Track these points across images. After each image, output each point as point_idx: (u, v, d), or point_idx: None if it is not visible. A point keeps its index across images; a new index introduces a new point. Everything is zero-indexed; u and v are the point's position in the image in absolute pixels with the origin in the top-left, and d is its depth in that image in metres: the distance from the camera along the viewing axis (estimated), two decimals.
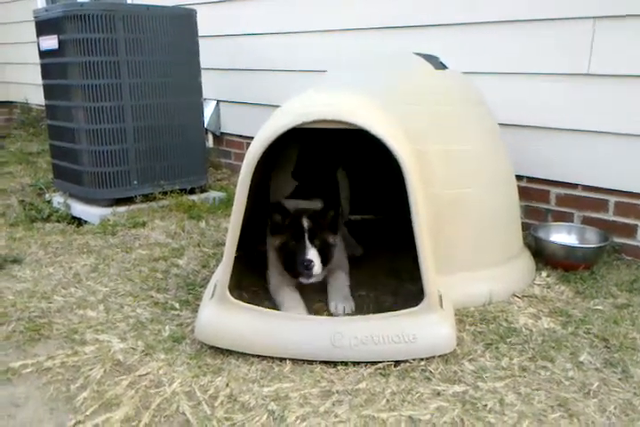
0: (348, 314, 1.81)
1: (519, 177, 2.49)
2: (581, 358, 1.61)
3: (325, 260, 1.83)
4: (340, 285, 1.94)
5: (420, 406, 1.40)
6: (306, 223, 1.83)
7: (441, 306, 1.65)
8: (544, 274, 2.17)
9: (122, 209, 3.00)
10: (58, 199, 3.20)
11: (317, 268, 1.77)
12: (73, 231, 2.79)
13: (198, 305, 1.81)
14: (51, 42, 2.95)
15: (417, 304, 1.62)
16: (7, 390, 1.49)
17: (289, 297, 1.85)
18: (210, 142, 4.22)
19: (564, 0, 2.35)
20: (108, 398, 1.44)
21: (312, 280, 1.82)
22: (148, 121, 3.07)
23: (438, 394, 1.45)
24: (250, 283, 2.02)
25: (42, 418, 1.39)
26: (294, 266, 1.81)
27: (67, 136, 3.06)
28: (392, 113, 1.83)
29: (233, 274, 1.66)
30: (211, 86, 3.69)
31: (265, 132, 1.64)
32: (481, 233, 1.99)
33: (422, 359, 1.58)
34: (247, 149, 1.71)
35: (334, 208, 1.91)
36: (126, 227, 2.78)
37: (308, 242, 1.80)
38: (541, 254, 2.28)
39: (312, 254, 1.77)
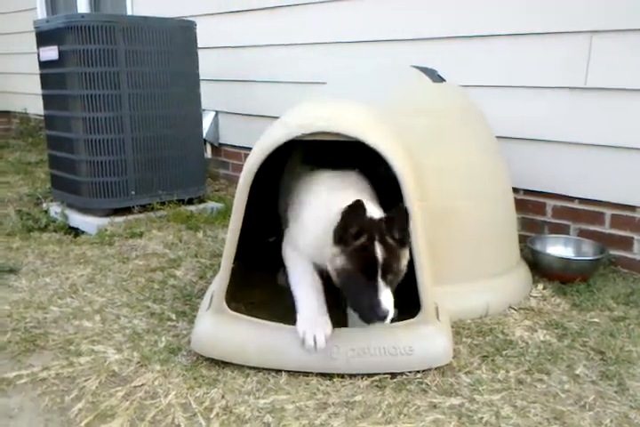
0: None
1: (516, 189, 2.50)
2: (577, 371, 1.61)
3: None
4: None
5: (416, 419, 1.39)
6: (380, 253, 1.48)
7: (437, 318, 1.65)
8: (540, 286, 2.18)
9: (119, 219, 3.00)
10: (55, 209, 3.20)
11: (392, 314, 1.46)
12: (70, 241, 2.79)
13: (195, 316, 1.81)
14: (51, 52, 2.97)
15: (414, 316, 1.62)
16: (1, 401, 1.49)
17: (312, 302, 1.61)
18: (208, 153, 4.23)
19: (561, 14, 2.38)
20: (102, 410, 1.43)
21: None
22: (147, 132, 3.08)
23: (434, 407, 1.44)
24: (247, 294, 2.02)
25: None
26: (362, 309, 1.49)
27: (65, 146, 3.07)
28: (390, 125, 1.84)
29: (230, 285, 1.66)
30: (209, 97, 3.71)
31: (263, 144, 1.65)
32: (478, 245, 2.00)
33: (419, 372, 1.58)
34: (245, 159, 1.72)
35: (403, 210, 1.53)
36: (123, 237, 2.78)
37: (381, 281, 1.47)
38: (538, 267, 2.29)
39: (387, 300, 1.45)
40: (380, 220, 1.53)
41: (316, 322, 1.57)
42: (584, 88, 2.36)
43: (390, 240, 1.51)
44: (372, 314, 1.45)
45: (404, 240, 1.55)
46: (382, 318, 1.44)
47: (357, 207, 1.49)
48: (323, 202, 1.66)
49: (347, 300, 1.60)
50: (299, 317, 1.60)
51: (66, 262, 2.47)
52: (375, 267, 1.47)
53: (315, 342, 1.54)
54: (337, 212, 1.52)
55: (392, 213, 1.54)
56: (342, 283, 1.54)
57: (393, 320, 1.49)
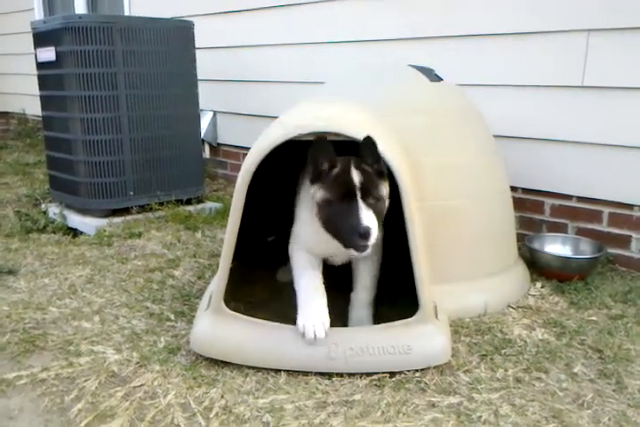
0: None
1: (514, 188, 2.51)
2: (575, 370, 1.61)
3: (380, 220, 1.53)
4: (360, 307, 1.76)
5: (415, 418, 1.40)
6: (357, 177, 1.51)
7: (436, 317, 1.66)
8: (538, 285, 2.18)
9: (118, 220, 3.00)
10: (54, 210, 3.20)
11: (375, 235, 1.46)
12: (69, 242, 2.79)
13: (194, 316, 1.81)
14: (48, 53, 2.97)
15: (412, 315, 1.62)
16: (1, 402, 1.49)
17: (312, 301, 1.61)
18: (206, 153, 4.23)
19: (558, 13, 2.39)
20: (102, 410, 1.44)
21: (365, 254, 1.52)
22: (145, 132, 3.08)
23: (433, 405, 1.45)
24: (245, 294, 2.02)
25: None
26: (345, 235, 1.50)
27: (63, 147, 3.07)
28: (388, 125, 1.85)
29: (228, 285, 1.67)
30: (207, 97, 3.71)
31: (261, 144, 1.65)
32: (476, 244, 2.00)
33: (417, 370, 1.58)
34: (243, 159, 1.72)
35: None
36: (122, 238, 2.78)
37: (361, 202, 1.48)
38: (536, 265, 2.29)
39: (368, 219, 1.46)
40: (352, 156, 1.57)
41: (315, 315, 1.59)
42: (581, 87, 2.37)
43: (366, 167, 1.55)
44: (354, 233, 1.45)
45: (380, 169, 1.57)
46: (364, 235, 1.44)
47: (322, 142, 1.53)
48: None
49: (332, 236, 1.57)
50: (299, 312, 1.62)
51: (64, 263, 2.48)
52: (353, 189, 1.50)
53: (314, 334, 1.56)
54: None
55: (362, 146, 1.55)
56: (325, 216, 1.55)
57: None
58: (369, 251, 1.51)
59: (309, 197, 1.64)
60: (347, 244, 1.51)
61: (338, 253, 1.71)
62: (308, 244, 1.73)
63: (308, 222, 1.68)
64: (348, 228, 1.47)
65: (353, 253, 1.53)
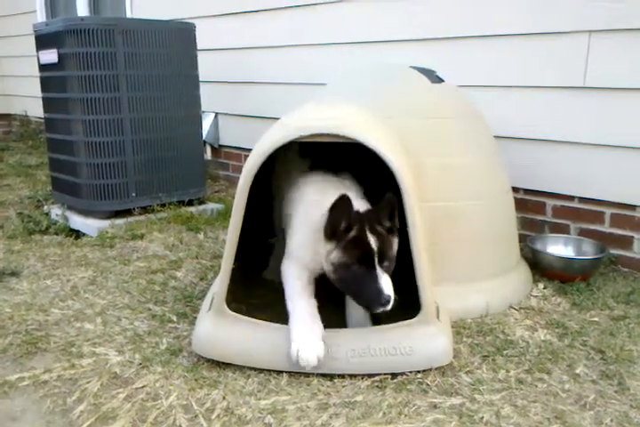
0: None
1: (516, 189, 2.51)
2: (578, 371, 1.61)
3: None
4: (359, 316, 1.73)
5: (416, 419, 1.40)
6: (374, 242, 1.52)
7: (438, 318, 1.66)
8: (541, 286, 2.18)
9: (120, 221, 3.00)
10: (56, 211, 3.21)
11: (393, 300, 1.48)
12: (71, 244, 2.79)
13: (196, 318, 1.81)
14: (50, 56, 2.97)
15: (414, 316, 1.62)
16: (4, 404, 1.49)
17: (307, 328, 1.58)
18: (208, 154, 4.23)
19: (560, 14, 2.38)
20: (104, 412, 1.44)
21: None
22: (147, 134, 3.08)
23: (435, 407, 1.45)
24: (248, 295, 2.02)
25: None
26: (365, 298, 1.53)
27: (65, 149, 3.07)
28: (389, 126, 1.85)
29: (230, 286, 1.67)
30: (209, 99, 3.71)
31: (262, 146, 1.65)
32: (478, 245, 2.00)
33: (419, 372, 1.58)
34: (245, 161, 1.72)
35: (392, 198, 1.57)
36: (124, 239, 2.79)
37: (378, 268, 1.51)
38: (538, 266, 2.29)
39: (387, 286, 1.49)
40: (368, 211, 1.60)
41: (309, 344, 1.54)
42: (582, 87, 2.37)
43: (380, 229, 1.56)
44: (375, 301, 1.48)
45: (393, 228, 1.60)
46: (386, 303, 1.47)
47: (343, 201, 1.53)
48: (313, 204, 1.69)
49: (347, 294, 1.61)
50: (293, 338, 1.56)
51: (67, 265, 2.48)
52: (371, 255, 1.51)
53: (308, 363, 1.52)
54: (326, 211, 1.56)
55: (379, 204, 1.59)
56: (340, 277, 1.57)
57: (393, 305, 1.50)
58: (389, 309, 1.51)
59: (306, 215, 1.67)
60: (367, 307, 1.55)
61: None
62: (305, 260, 1.70)
63: (307, 242, 1.67)
64: (369, 295, 1.50)
65: (371, 311, 1.56)
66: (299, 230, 1.73)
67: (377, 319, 1.75)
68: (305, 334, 1.56)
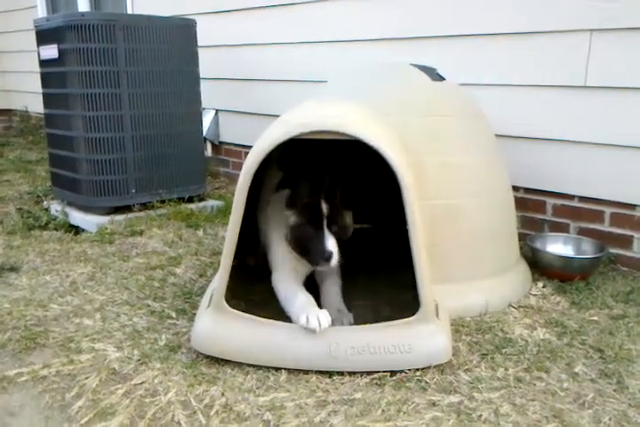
0: None
1: (516, 188, 2.51)
2: (576, 369, 1.61)
3: (341, 245, 1.75)
4: (333, 298, 1.88)
5: (415, 417, 1.40)
6: (325, 208, 1.73)
7: (437, 316, 1.65)
8: (540, 284, 2.18)
9: (120, 217, 3.00)
10: (56, 207, 3.21)
11: (336, 259, 1.70)
12: (70, 239, 2.79)
13: (195, 314, 1.81)
14: (51, 51, 2.97)
15: (413, 314, 1.62)
16: (2, 399, 1.49)
17: (306, 304, 1.71)
18: (208, 151, 4.23)
19: (561, 13, 2.38)
20: (103, 407, 1.44)
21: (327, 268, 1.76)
22: (147, 130, 3.08)
23: (434, 404, 1.45)
24: (246, 292, 2.02)
25: None
26: (310, 255, 1.74)
27: (65, 145, 3.07)
28: (389, 124, 1.85)
29: (230, 283, 1.67)
30: (210, 96, 3.71)
31: (263, 143, 1.65)
32: (477, 243, 2.00)
33: (418, 369, 1.58)
34: (245, 157, 1.72)
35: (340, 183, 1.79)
36: (124, 235, 2.78)
37: (326, 230, 1.72)
38: (537, 265, 2.29)
39: (331, 245, 1.70)
40: (325, 188, 1.77)
41: (316, 310, 1.66)
42: (583, 87, 2.36)
43: (334, 201, 1.76)
44: (320, 257, 1.70)
45: (346, 203, 1.81)
46: (328, 258, 1.69)
47: (306, 183, 1.77)
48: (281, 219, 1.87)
49: (298, 254, 1.80)
50: (299, 311, 1.66)
51: (66, 260, 2.48)
52: (321, 218, 1.72)
53: (319, 323, 1.59)
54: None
55: (333, 184, 1.77)
56: (294, 237, 1.79)
57: None
58: (332, 266, 1.73)
59: (280, 222, 1.85)
60: (311, 261, 1.76)
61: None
62: (291, 263, 1.86)
63: (281, 246, 1.87)
64: (315, 251, 1.72)
65: (317, 268, 1.80)
66: (274, 239, 1.91)
67: (377, 318, 1.76)
68: (308, 306, 1.69)
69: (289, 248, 1.83)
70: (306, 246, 1.76)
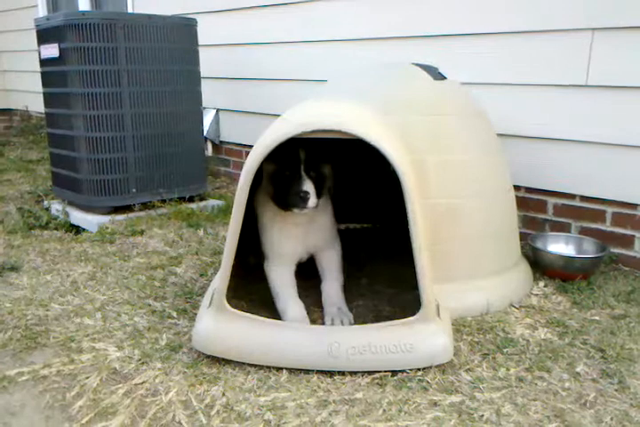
0: None
1: (517, 187, 2.50)
2: (578, 369, 1.61)
3: (320, 192, 1.82)
4: (334, 296, 1.90)
5: (416, 417, 1.39)
6: (302, 155, 1.79)
7: (438, 316, 1.65)
8: (541, 284, 2.18)
9: (120, 217, 3.00)
10: (56, 207, 3.21)
11: (313, 200, 1.76)
12: (71, 239, 2.79)
13: (196, 314, 1.81)
14: (51, 50, 2.97)
15: (414, 314, 1.62)
16: (3, 398, 1.49)
17: (292, 308, 1.80)
18: (209, 151, 4.23)
19: (562, 12, 2.38)
20: (103, 407, 1.44)
21: (305, 211, 1.80)
22: (148, 129, 3.08)
23: (435, 404, 1.45)
24: (247, 291, 2.02)
25: (37, 426, 1.39)
26: (288, 197, 1.78)
27: (66, 144, 3.07)
28: (391, 123, 1.84)
29: (231, 283, 1.67)
30: (210, 95, 3.71)
31: (264, 142, 1.64)
32: (478, 243, 2.00)
33: (419, 369, 1.58)
34: (246, 157, 1.72)
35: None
36: (124, 235, 2.78)
37: (303, 173, 1.78)
38: (539, 264, 2.29)
39: (308, 186, 1.75)
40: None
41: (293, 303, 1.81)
42: (585, 86, 2.36)
43: (311, 151, 1.82)
44: (295, 197, 1.75)
45: (325, 157, 1.89)
46: (304, 197, 1.74)
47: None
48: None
49: (278, 203, 1.85)
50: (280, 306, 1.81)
51: (67, 260, 2.48)
52: (298, 163, 1.78)
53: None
54: None
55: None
56: (274, 185, 1.84)
57: None
58: (308, 210, 1.79)
59: (269, 204, 1.89)
60: (292, 205, 1.79)
61: (303, 246, 1.95)
62: (281, 249, 1.91)
63: (271, 227, 1.93)
64: (292, 194, 1.76)
65: (294, 210, 1.81)
66: (265, 226, 1.95)
67: (378, 318, 1.76)
68: (289, 301, 1.82)
69: (277, 226, 1.89)
70: (284, 192, 1.80)
